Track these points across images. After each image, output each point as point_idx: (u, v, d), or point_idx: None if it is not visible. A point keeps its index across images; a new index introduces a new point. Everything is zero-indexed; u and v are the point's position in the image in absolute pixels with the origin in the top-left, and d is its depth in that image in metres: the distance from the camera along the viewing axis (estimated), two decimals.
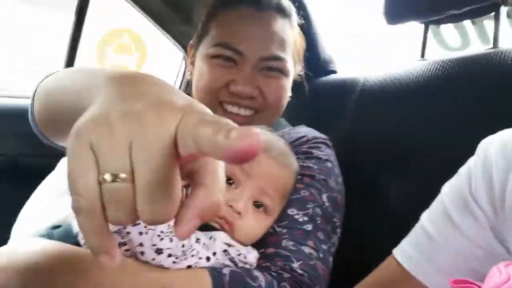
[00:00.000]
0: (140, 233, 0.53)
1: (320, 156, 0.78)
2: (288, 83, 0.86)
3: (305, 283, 0.61)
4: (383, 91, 0.96)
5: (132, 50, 1.91)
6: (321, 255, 0.66)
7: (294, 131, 0.85)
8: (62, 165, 0.81)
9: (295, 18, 0.88)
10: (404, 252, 0.58)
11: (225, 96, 0.81)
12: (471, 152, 0.56)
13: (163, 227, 0.53)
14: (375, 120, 0.96)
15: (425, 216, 0.59)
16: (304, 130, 0.85)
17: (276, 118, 0.90)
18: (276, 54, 0.81)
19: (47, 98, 0.53)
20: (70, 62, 1.54)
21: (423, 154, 0.85)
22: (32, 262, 0.49)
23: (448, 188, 0.58)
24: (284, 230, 0.66)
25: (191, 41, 0.93)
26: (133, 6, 1.48)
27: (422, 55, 0.99)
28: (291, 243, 0.65)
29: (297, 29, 0.89)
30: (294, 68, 0.88)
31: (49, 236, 0.61)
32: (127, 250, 0.56)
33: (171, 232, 0.54)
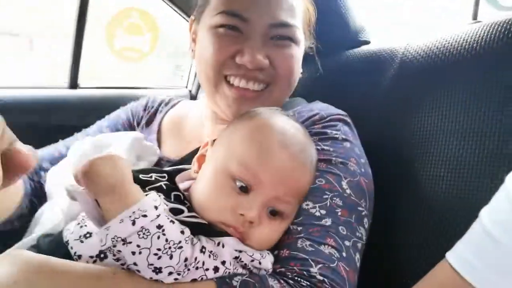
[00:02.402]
0: (133, 253, 0.46)
1: (336, 135, 0.68)
2: (299, 52, 0.78)
3: None
4: (428, 62, 0.82)
5: (143, 30, 1.79)
6: (344, 254, 0.57)
7: (306, 109, 0.75)
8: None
9: None
10: (462, 258, 0.50)
11: (231, 69, 0.74)
12: None
13: (159, 244, 0.46)
14: (418, 97, 0.82)
15: (486, 215, 0.50)
16: (317, 107, 0.75)
17: (288, 93, 0.81)
18: (285, 21, 0.73)
19: None
20: (77, 49, 1.45)
21: (480, 135, 0.71)
22: (16, 278, 0.46)
23: None
24: (299, 228, 0.59)
25: (191, 16, 0.84)
26: None
27: (475, 17, 0.84)
28: (308, 243, 0.57)
29: None
30: (304, 38, 0.80)
31: (39, 246, 0.57)
32: (122, 265, 0.50)
33: (169, 248, 0.47)
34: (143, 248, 0.46)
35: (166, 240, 0.47)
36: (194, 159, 0.63)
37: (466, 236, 0.52)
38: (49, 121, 1.37)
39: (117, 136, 0.76)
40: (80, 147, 0.72)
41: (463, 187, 0.71)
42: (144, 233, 0.46)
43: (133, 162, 0.73)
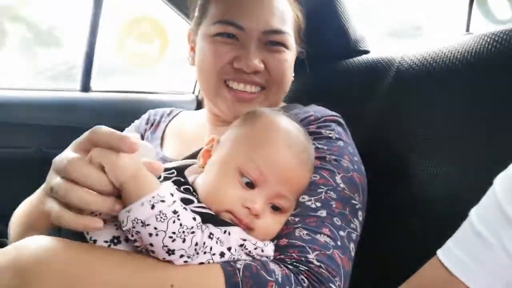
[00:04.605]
0: (150, 235, 0.50)
1: (330, 135, 0.73)
2: (291, 58, 0.85)
3: (323, 275, 0.57)
4: (423, 71, 0.86)
5: (152, 38, 1.85)
6: (338, 243, 0.61)
7: (302, 111, 0.80)
8: None
9: None
10: (451, 254, 0.52)
11: (229, 73, 0.81)
12: None
13: (174, 228, 0.50)
14: (413, 103, 0.87)
15: (474, 214, 0.52)
16: (312, 109, 0.80)
17: (282, 96, 0.88)
18: (277, 28, 0.80)
19: None
20: (90, 53, 1.51)
21: (471, 141, 0.75)
22: (38, 259, 0.49)
23: (501, 182, 0.51)
24: (297, 219, 0.63)
25: (189, 28, 0.91)
26: None
27: (467, 29, 0.88)
28: (305, 232, 0.61)
29: (297, 6, 0.88)
30: (295, 43, 0.87)
31: (55, 235, 0.59)
32: (137, 246, 0.54)
33: (183, 232, 0.51)
34: (159, 231, 0.49)
35: (181, 224, 0.50)
36: (200, 154, 0.67)
37: (456, 234, 0.54)
38: (61, 123, 1.43)
39: None
40: None
41: (455, 187, 0.74)
42: (161, 217, 0.49)
43: None
